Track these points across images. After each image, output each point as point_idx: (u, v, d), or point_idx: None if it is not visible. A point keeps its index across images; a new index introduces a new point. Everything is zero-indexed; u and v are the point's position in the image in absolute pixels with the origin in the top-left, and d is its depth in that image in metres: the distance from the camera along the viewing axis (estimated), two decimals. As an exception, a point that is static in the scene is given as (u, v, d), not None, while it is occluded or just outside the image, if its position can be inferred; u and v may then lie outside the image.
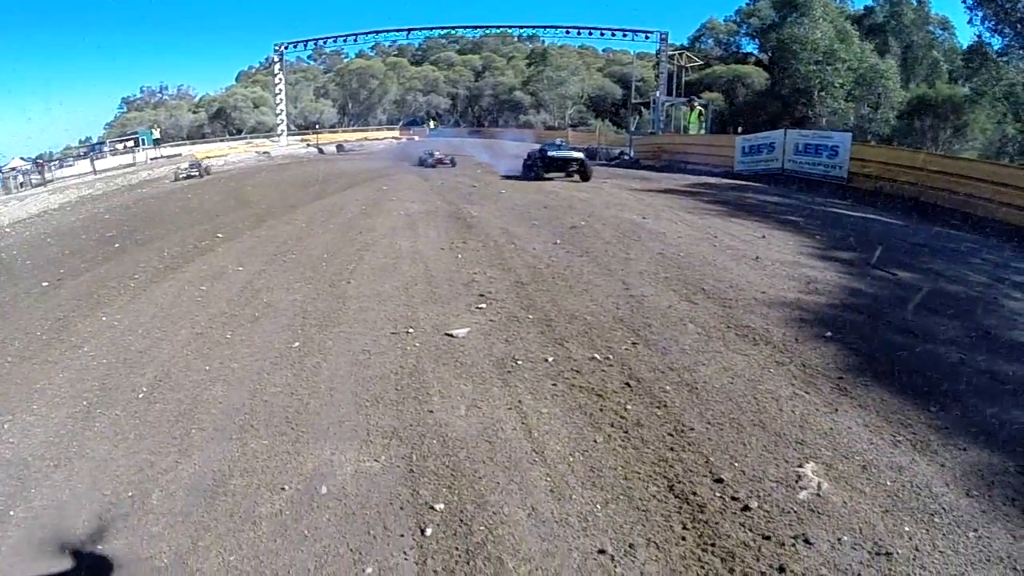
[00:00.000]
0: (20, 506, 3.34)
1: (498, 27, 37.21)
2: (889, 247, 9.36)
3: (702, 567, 2.70)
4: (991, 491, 3.30)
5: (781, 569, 2.70)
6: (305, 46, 36.96)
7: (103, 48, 72.71)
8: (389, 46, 49.23)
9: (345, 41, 35.66)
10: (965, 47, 32.11)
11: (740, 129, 27.98)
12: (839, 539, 2.92)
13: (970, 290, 7.12)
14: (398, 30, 36.59)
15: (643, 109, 35.90)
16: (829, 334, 5.43)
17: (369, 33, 36.12)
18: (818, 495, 3.24)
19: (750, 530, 2.94)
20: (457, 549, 2.74)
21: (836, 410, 4.13)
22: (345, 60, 49.28)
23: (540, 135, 37.69)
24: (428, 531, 2.87)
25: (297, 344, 5.29)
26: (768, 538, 2.89)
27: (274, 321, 5.90)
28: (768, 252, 8.44)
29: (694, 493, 3.19)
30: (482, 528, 2.86)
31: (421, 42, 49.83)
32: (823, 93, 31.92)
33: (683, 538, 2.88)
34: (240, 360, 5.05)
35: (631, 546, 2.79)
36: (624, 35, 34.39)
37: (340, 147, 35.85)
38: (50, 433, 4.10)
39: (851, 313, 6.01)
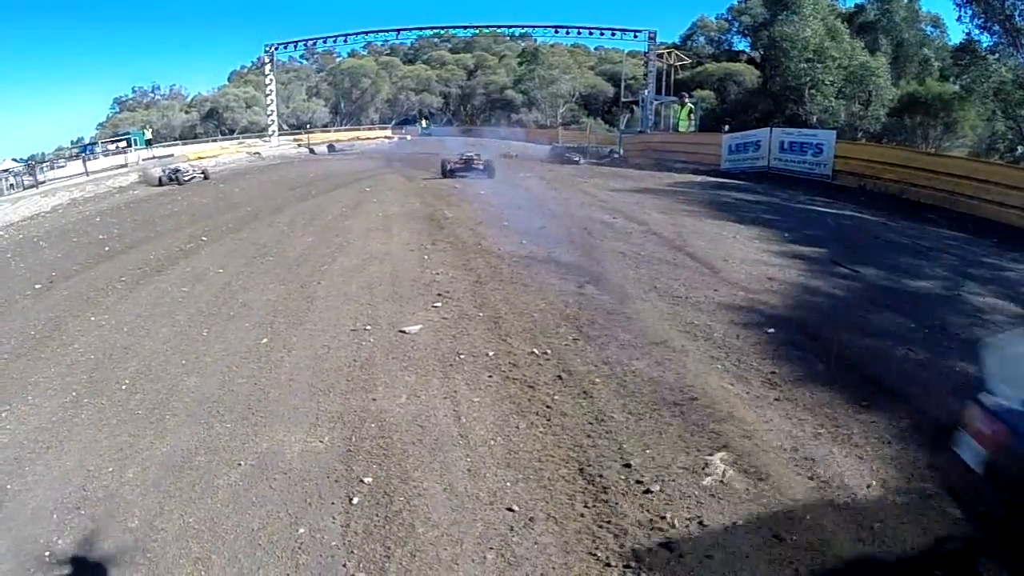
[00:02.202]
0: (15, 481, 3.81)
1: (487, 27, 37.53)
2: (860, 244, 9.64)
3: (593, 541, 3.02)
4: (909, 484, 3.40)
5: (669, 547, 2.96)
6: (295, 47, 37.26)
7: (95, 47, 72.98)
8: (381, 45, 49.50)
9: (335, 42, 35.96)
10: (955, 44, 32.56)
11: (727, 128, 28.36)
12: (734, 523, 3.10)
13: (934, 286, 7.26)
14: (388, 30, 36.88)
15: (634, 107, 36.21)
16: (772, 330, 5.67)
17: (359, 34, 36.35)
18: (722, 482, 3.42)
19: (648, 511, 3.21)
20: (378, 516, 3.21)
21: (761, 403, 4.34)
22: (337, 59, 49.51)
23: (531, 134, 38.06)
24: (355, 500, 3.35)
25: (265, 340, 5.76)
26: (663, 518, 3.14)
27: (247, 320, 6.37)
28: (733, 251, 8.73)
29: (601, 476, 3.51)
30: (402, 499, 3.33)
31: (413, 41, 50.12)
32: (814, 91, 32.24)
33: (582, 515, 3.20)
34: (213, 355, 5.52)
35: (531, 519, 3.17)
36: (613, 34, 34.77)
37: (331, 147, 36.02)
38: (43, 420, 4.57)
39: (802, 311, 6.25)
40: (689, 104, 31.23)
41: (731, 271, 7.71)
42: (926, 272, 7.94)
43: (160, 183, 21.31)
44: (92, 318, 6.78)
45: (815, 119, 31.75)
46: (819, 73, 31.64)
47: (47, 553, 3.14)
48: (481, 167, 17.82)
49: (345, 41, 35.96)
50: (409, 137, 42.07)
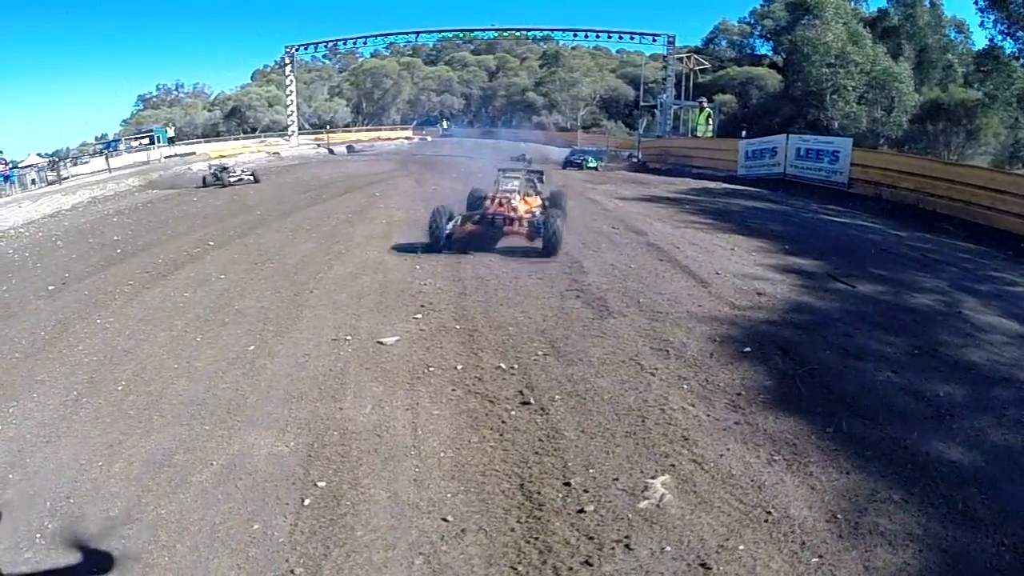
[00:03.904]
0: (17, 470, 4.17)
1: (507, 29, 37.74)
2: (865, 256, 9.52)
3: (518, 555, 3.16)
4: (860, 518, 3.32)
5: (589, 567, 3.03)
6: (316, 48, 37.93)
7: (121, 45, 75.19)
8: (404, 46, 50.08)
9: (355, 43, 36.51)
10: (978, 50, 32.05)
11: (744, 133, 28.25)
12: (662, 548, 3.11)
13: (934, 302, 7.08)
14: (408, 32, 37.41)
15: (654, 112, 36.23)
16: (748, 350, 5.62)
17: (379, 35, 36.97)
18: (658, 506, 3.43)
19: (577, 530, 3.28)
20: (324, 517, 3.48)
21: (719, 426, 4.30)
22: (359, 60, 50.23)
23: (550, 136, 38.22)
24: (307, 502, 3.63)
25: (252, 347, 6.07)
26: (591, 539, 3.21)
27: (239, 326, 6.69)
28: (727, 264, 8.70)
29: (539, 493, 3.63)
30: (348, 503, 3.59)
31: (435, 43, 50.62)
32: (835, 96, 31.96)
33: (512, 529, 3.34)
34: (204, 360, 5.85)
35: (463, 530, 3.35)
36: (632, 38, 34.82)
37: (350, 148, 36.61)
38: (45, 416, 4.92)
39: (785, 329, 6.16)
40: (708, 109, 31.12)
41: (721, 285, 7.71)
42: (928, 287, 7.79)
43: (204, 183, 19.90)
44: (98, 321, 7.16)
45: (836, 125, 31.47)
46: (841, 78, 31.36)
47: (38, 535, 3.46)
48: (524, 225, 8.98)
49: (365, 43, 36.52)
50: (430, 138, 42.59)
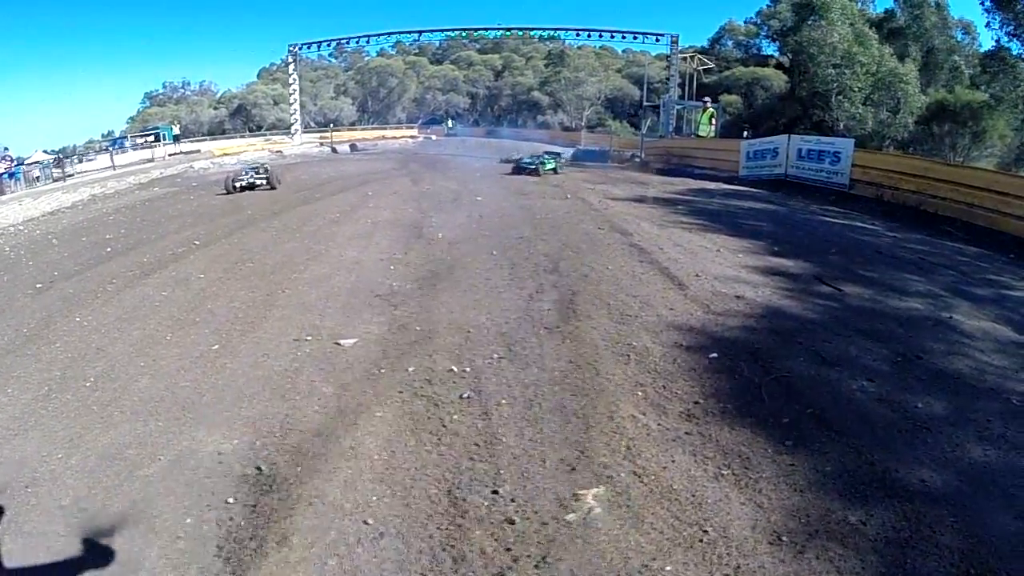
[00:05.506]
0: (-15, 461, 4.33)
1: (510, 29, 37.78)
2: (858, 259, 9.28)
3: (431, 561, 3.15)
4: (809, 541, 3.15)
5: None
6: (321, 47, 38.21)
7: (130, 42, 76.18)
8: (409, 45, 50.31)
9: (359, 42, 36.73)
10: (985, 51, 31.86)
11: (746, 134, 28.17)
12: (580, 565, 3.03)
13: (925, 307, 6.86)
14: (412, 31, 37.56)
15: (659, 111, 36.08)
16: (715, 356, 5.46)
17: (383, 34, 37.08)
18: (585, 520, 3.33)
19: (496, 540, 3.23)
20: (251, 514, 3.61)
21: (669, 437, 4.16)
22: (365, 58, 50.52)
23: (554, 135, 38.30)
24: (238, 498, 3.76)
25: (217, 347, 6.21)
26: (508, 551, 3.16)
27: (208, 326, 6.83)
28: (710, 267, 8.57)
29: (465, 500, 3.55)
30: (276, 501, 3.71)
31: (441, 41, 50.79)
32: (841, 97, 31.82)
33: (431, 535, 3.33)
34: (169, 358, 5.99)
35: (381, 534, 3.37)
36: (635, 37, 34.80)
37: (353, 146, 36.81)
38: (17, 410, 5.09)
39: (759, 335, 5.97)
40: (711, 109, 30.92)
41: (699, 288, 7.62)
42: (921, 291, 7.59)
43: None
44: (78, 319, 7.32)
45: (842, 126, 31.34)
46: (847, 79, 31.27)
47: (-4, 522, 3.62)
48: None
49: (370, 42, 36.73)
50: (435, 137, 42.87)
